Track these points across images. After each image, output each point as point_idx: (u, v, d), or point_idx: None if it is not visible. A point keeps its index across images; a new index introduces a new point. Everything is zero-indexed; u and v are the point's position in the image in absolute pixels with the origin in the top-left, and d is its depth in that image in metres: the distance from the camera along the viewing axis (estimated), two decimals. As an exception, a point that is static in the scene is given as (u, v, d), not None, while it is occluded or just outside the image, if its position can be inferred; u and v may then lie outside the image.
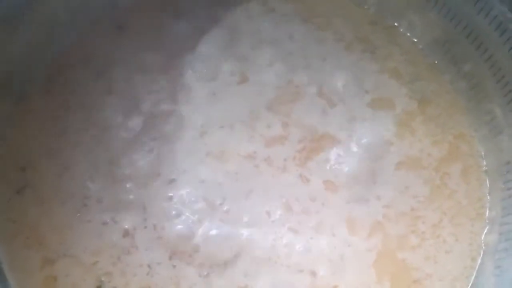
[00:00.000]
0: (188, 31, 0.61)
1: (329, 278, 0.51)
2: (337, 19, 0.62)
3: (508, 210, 0.53)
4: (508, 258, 0.51)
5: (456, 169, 0.56)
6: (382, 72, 0.60)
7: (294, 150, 0.56)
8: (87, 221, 0.52)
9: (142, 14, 0.62)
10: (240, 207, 0.53)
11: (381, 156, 0.56)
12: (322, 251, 0.52)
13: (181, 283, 0.51)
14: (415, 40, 0.62)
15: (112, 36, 0.61)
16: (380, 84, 0.59)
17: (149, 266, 0.51)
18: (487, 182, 0.56)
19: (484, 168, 0.57)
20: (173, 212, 0.53)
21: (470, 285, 0.52)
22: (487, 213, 0.55)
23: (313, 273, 0.52)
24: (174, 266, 0.51)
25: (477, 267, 0.53)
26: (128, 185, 0.54)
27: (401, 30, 0.62)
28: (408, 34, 0.62)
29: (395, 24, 0.63)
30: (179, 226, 0.52)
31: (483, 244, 0.54)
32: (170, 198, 0.54)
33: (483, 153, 0.57)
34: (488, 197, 0.55)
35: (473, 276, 0.52)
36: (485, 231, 0.54)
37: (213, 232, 0.52)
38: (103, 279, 0.51)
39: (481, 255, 0.53)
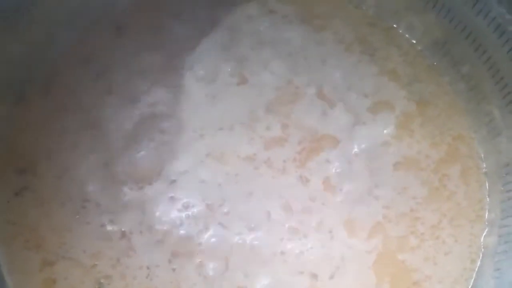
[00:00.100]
0: (187, 32, 0.61)
1: (328, 280, 0.52)
2: (336, 21, 0.62)
3: (507, 213, 0.54)
4: (507, 260, 0.51)
5: (455, 171, 0.56)
6: (381, 74, 0.60)
7: (294, 151, 0.56)
8: (86, 223, 0.52)
9: (141, 14, 0.62)
10: (240, 209, 0.53)
11: (380, 157, 0.56)
12: (322, 253, 0.52)
13: (181, 285, 0.51)
14: (414, 42, 0.62)
15: (111, 37, 0.60)
16: (379, 86, 0.59)
17: (148, 268, 0.51)
18: (487, 184, 0.56)
19: (483, 169, 0.57)
20: (173, 214, 0.53)
21: (469, 287, 0.53)
22: (486, 215, 0.55)
23: (313, 275, 0.52)
24: (173, 269, 0.51)
25: (476, 269, 0.53)
26: (127, 187, 0.54)
27: (400, 31, 0.62)
28: (407, 35, 0.62)
29: (394, 25, 0.63)
30: (179, 228, 0.52)
31: (482, 246, 0.54)
32: (170, 199, 0.54)
33: (482, 155, 0.57)
34: (488, 199, 0.56)
35: (473, 279, 0.53)
36: (485, 233, 0.54)
37: (213, 233, 0.52)
38: (102, 281, 0.51)
39: (481, 257, 0.53)
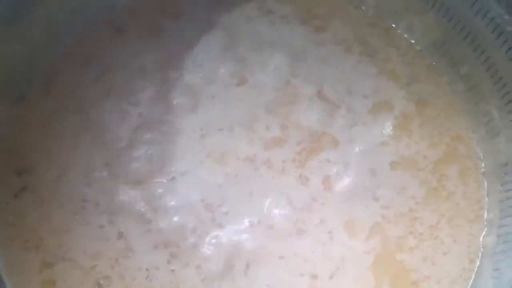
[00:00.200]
0: (187, 33, 0.61)
1: (328, 280, 0.52)
2: (335, 21, 0.62)
3: (506, 212, 0.54)
4: (506, 260, 0.51)
5: (453, 171, 0.56)
6: (380, 75, 0.60)
7: (293, 152, 0.56)
8: (85, 224, 0.52)
9: (141, 15, 0.62)
10: (240, 209, 0.53)
11: (379, 157, 0.56)
12: (322, 253, 0.52)
13: (180, 287, 0.51)
14: (413, 42, 0.62)
15: (111, 37, 0.60)
16: (378, 87, 0.59)
17: (147, 270, 0.51)
18: (485, 184, 0.56)
19: (482, 169, 0.57)
20: (172, 215, 0.53)
21: (468, 287, 0.53)
22: (485, 215, 0.55)
23: (313, 276, 0.52)
24: (172, 271, 0.51)
25: (475, 269, 0.53)
26: (127, 187, 0.54)
27: (399, 31, 0.62)
28: (406, 35, 0.62)
29: (393, 25, 0.63)
30: (178, 229, 0.52)
31: (481, 246, 0.54)
32: (169, 200, 0.54)
33: (481, 155, 0.57)
34: (486, 199, 0.56)
35: (472, 279, 0.53)
36: (483, 233, 0.54)
37: (213, 234, 0.52)
38: (101, 282, 0.51)
39: (480, 257, 0.54)
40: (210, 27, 0.61)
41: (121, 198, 0.53)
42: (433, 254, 0.53)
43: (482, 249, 0.54)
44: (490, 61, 0.55)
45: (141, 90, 0.58)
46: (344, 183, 0.55)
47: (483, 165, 0.57)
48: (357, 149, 0.56)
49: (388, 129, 0.57)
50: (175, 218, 0.53)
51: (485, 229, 0.55)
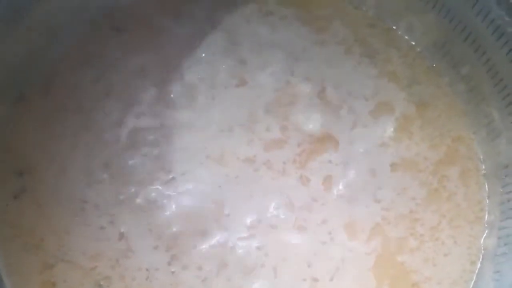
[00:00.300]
0: (187, 34, 0.61)
1: (328, 282, 0.52)
2: (335, 22, 0.62)
3: (506, 214, 0.54)
4: (507, 262, 0.51)
5: (454, 172, 0.56)
6: (381, 76, 0.60)
7: (294, 153, 0.56)
8: (85, 224, 0.52)
9: (141, 16, 0.61)
10: (240, 210, 0.53)
11: (379, 158, 0.56)
12: (322, 254, 0.52)
13: (179, 287, 0.51)
14: (413, 43, 0.62)
15: (110, 38, 0.60)
16: (379, 88, 0.59)
17: (147, 270, 0.51)
18: (486, 185, 0.56)
19: (483, 171, 0.57)
20: (172, 216, 0.53)
21: (469, 289, 0.53)
22: (486, 217, 0.55)
23: (313, 277, 0.52)
24: (173, 272, 0.51)
25: (476, 271, 0.53)
26: (126, 188, 0.54)
27: (399, 32, 0.62)
28: (406, 37, 0.62)
29: (394, 27, 0.63)
30: (178, 230, 0.52)
31: (482, 248, 0.54)
32: (169, 201, 0.53)
33: (481, 157, 0.57)
34: (487, 200, 0.56)
35: (473, 281, 0.53)
36: (484, 235, 0.54)
37: (214, 235, 0.52)
38: (102, 283, 0.51)
39: (480, 259, 0.53)
40: (210, 27, 0.61)
41: (122, 198, 0.53)
42: (434, 255, 0.53)
43: (483, 251, 0.54)
44: (491, 63, 0.55)
45: (141, 90, 0.58)
46: (345, 184, 0.55)
47: (483, 166, 0.57)
48: (357, 150, 0.56)
49: (388, 130, 0.57)
50: (175, 219, 0.53)
51: (486, 231, 0.54)
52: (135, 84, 0.58)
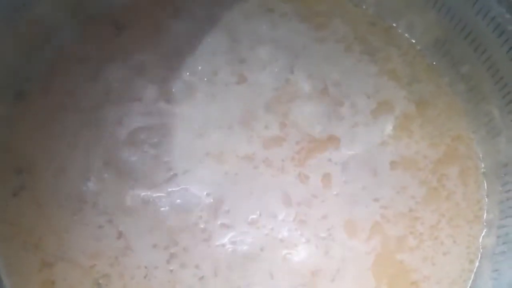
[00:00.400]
0: (186, 31, 0.61)
1: (328, 281, 0.52)
2: (336, 20, 0.62)
3: (505, 213, 0.53)
4: (506, 261, 0.51)
5: (454, 171, 0.56)
6: (381, 74, 0.60)
7: (293, 151, 0.56)
8: (84, 223, 0.52)
9: (140, 13, 0.61)
10: (240, 208, 0.53)
11: (379, 157, 0.56)
12: (323, 253, 0.52)
13: (177, 286, 0.51)
14: (414, 41, 0.62)
15: (110, 36, 0.60)
16: (379, 86, 0.59)
17: (146, 268, 0.51)
18: (485, 184, 0.56)
19: (482, 170, 0.57)
20: (171, 214, 0.53)
21: (468, 288, 0.53)
22: (485, 216, 0.55)
23: (313, 277, 0.52)
24: (171, 270, 0.51)
25: (475, 270, 0.53)
26: (125, 187, 0.54)
27: (400, 31, 0.62)
28: (407, 35, 0.62)
29: (394, 25, 0.62)
30: (178, 229, 0.52)
31: (481, 247, 0.54)
32: (168, 199, 0.53)
33: (481, 155, 0.57)
34: (486, 199, 0.56)
35: (471, 280, 0.53)
36: (483, 234, 0.54)
37: (213, 233, 0.52)
38: (100, 281, 0.51)
39: (479, 258, 0.54)
40: (210, 25, 0.61)
41: (120, 197, 0.53)
42: (433, 254, 0.53)
43: (481, 250, 0.54)
44: (491, 61, 0.54)
45: (141, 88, 0.58)
46: (344, 182, 0.55)
47: (483, 165, 0.57)
48: (357, 148, 0.56)
49: (388, 129, 0.57)
50: (175, 217, 0.53)
51: (485, 230, 0.55)
52: (134, 82, 0.58)
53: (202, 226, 0.53)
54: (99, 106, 0.57)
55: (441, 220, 0.54)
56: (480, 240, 0.54)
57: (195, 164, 0.55)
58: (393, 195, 0.55)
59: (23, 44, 0.55)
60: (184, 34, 0.60)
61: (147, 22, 0.61)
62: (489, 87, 0.56)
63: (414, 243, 0.53)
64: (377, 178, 0.55)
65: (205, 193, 0.54)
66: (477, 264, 0.53)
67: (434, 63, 0.61)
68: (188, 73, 0.59)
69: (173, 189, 0.54)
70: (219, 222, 0.53)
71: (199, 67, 0.59)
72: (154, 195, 0.54)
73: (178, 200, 0.53)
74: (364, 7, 0.63)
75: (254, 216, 0.53)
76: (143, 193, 0.54)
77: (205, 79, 0.59)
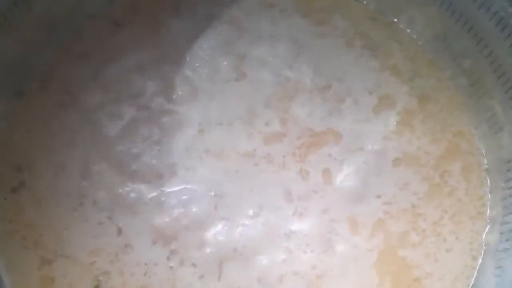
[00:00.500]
0: (186, 27, 0.60)
1: (330, 278, 0.51)
2: (336, 15, 0.62)
3: (508, 210, 0.53)
4: (509, 258, 0.51)
5: (456, 167, 0.56)
6: (382, 69, 0.59)
7: (294, 146, 0.55)
8: (84, 220, 0.52)
9: (140, 10, 0.61)
10: (240, 205, 0.53)
11: (381, 153, 0.56)
12: (325, 250, 0.52)
13: (177, 284, 0.51)
14: (415, 36, 0.61)
15: (109, 33, 0.60)
16: (380, 82, 0.59)
17: (146, 265, 0.51)
18: (488, 180, 0.56)
19: (485, 166, 0.56)
20: (172, 211, 0.53)
21: (471, 285, 0.52)
22: (488, 212, 0.55)
23: (314, 274, 0.51)
24: (171, 267, 0.51)
25: (478, 266, 0.53)
26: (125, 183, 0.53)
27: (401, 26, 0.62)
28: (408, 30, 0.62)
29: (395, 20, 0.62)
30: (177, 226, 0.52)
31: (484, 244, 0.54)
32: (168, 196, 0.53)
33: (483, 151, 0.57)
34: (489, 195, 0.55)
35: (474, 276, 0.52)
36: (486, 230, 0.54)
37: (213, 230, 0.52)
38: (100, 278, 0.51)
39: (482, 255, 0.53)
40: (210, 21, 0.61)
41: (120, 194, 0.53)
42: (436, 250, 0.53)
43: (484, 247, 0.54)
44: (493, 55, 0.54)
45: (140, 85, 0.58)
46: (346, 178, 0.55)
47: (485, 161, 0.57)
48: (358, 144, 0.56)
49: (390, 124, 0.57)
50: (175, 214, 0.53)
51: (488, 226, 0.54)
52: (134, 80, 0.58)
53: (202, 224, 0.52)
54: (98, 104, 0.57)
55: (444, 216, 0.54)
56: (483, 236, 0.54)
57: (195, 161, 0.55)
58: (396, 192, 0.55)
59: (22, 42, 0.55)
60: (184, 31, 0.60)
61: (147, 20, 0.61)
62: (491, 81, 0.55)
63: (417, 240, 0.53)
64: (379, 175, 0.55)
65: (205, 190, 0.53)
66: (480, 260, 0.53)
67: (436, 58, 0.60)
68: (188, 70, 0.59)
69: (173, 186, 0.54)
70: (219, 219, 0.53)
71: (199, 64, 0.59)
72: (154, 192, 0.53)
73: (178, 197, 0.53)
74: (364, 2, 0.63)
75: (254, 213, 0.53)
76: (142, 190, 0.53)
77: (205, 76, 0.58)
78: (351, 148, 0.56)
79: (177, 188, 0.54)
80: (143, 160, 0.54)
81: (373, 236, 0.53)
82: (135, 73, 0.58)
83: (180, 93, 0.58)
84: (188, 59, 0.59)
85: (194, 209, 0.53)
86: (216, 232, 0.52)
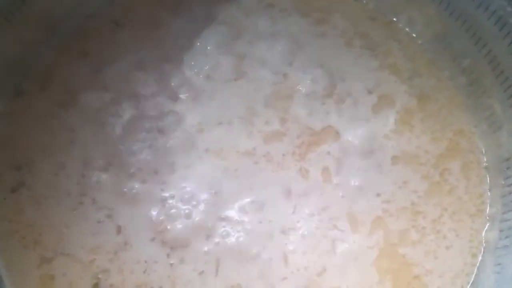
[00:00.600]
0: (185, 27, 0.60)
1: (330, 276, 0.51)
2: (336, 14, 0.62)
3: (508, 207, 0.53)
4: (508, 255, 0.51)
5: (456, 165, 0.56)
6: (381, 69, 0.59)
7: (293, 145, 0.56)
8: (83, 218, 0.52)
9: (139, 9, 0.62)
10: (240, 203, 0.53)
11: (380, 151, 0.56)
12: (325, 248, 0.52)
13: (176, 282, 0.51)
14: (414, 36, 0.62)
15: (109, 32, 0.60)
16: (380, 81, 0.59)
17: (146, 262, 0.51)
18: (488, 178, 0.56)
19: (484, 164, 0.56)
20: (171, 210, 0.53)
21: (470, 282, 0.52)
22: (487, 210, 0.55)
23: (315, 273, 0.51)
24: (171, 265, 0.51)
25: (477, 264, 0.53)
26: (123, 182, 0.53)
27: (400, 25, 0.62)
28: (407, 29, 0.62)
29: (394, 19, 0.62)
30: (177, 224, 0.52)
31: (483, 241, 0.54)
32: (167, 195, 0.53)
33: (483, 149, 0.57)
34: (489, 193, 0.55)
35: (474, 274, 0.52)
36: (486, 227, 0.54)
37: (212, 229, 0.52)
38: (100, 276, 0.50)
39: (482, 252, 0.53)
40: (209, 20, 0.61)
41: (119, 192, 0.53)
42: (436, 248, 0.53)
43: (484, 244, 0.53)
44: (492, 54, 0.54)
45: (140, 84, 0.58)
46: (344, 176, 0.54)
47: (485, 159, 0.57)
48: (358, 142, 0.56)
49: (389, 123, 0.57)
50: (175, 212, 0.52)
51: (488, 224, 0.54)
52: (134, 78, 0.58)
53: (201, 222, 0.52)
54: (98, 103, 0.57)
55: (444, 214, 0.54)
56: (483, 234, 0.54)
57: (194, 160, 0.55)
58: (395, 190, 0.55)
59: (22, 40, 0.55)
60: (183, 31, 0.60)
61: (146, 18, 0.61)
62: (490, 81, 0.55)
63: (417, 237, 0.53)
64: (378, 173, 0.55)
65: (205, 189, 0.53)
66: (479, 258, 0.53)
67: (435, 57, 0.60)
68: (188, 70, 0.59)
69: (173, 184, 0.54)
70: (218, 218, 0.52)
71: (199, 63, 0.59)
72: (154, 190, 0.53)
73: (178, 196, 0.53)
74: (364, 1, 0.63)
75: (254, 211, 0.53)
76: (141, 188, 0.53)
77: (205, 75, 0.58)
78: (350, 146, 0.56)
79: (176, 187, 0.53)
80: (142, 159, 0.54)
81: (372, 234, 0.53)
82: (135, 72, 0.58)
83: (179, 92, 0.58)
84: (188, 59, 0.59)
85: (193, 208, 0.53)
86: (216, 230, 0.52)
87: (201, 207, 0.53)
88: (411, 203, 0.54)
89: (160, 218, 0.52)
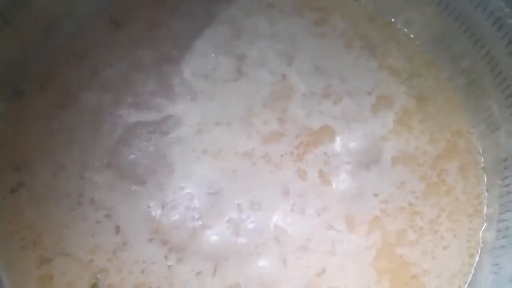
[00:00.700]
0: (185, 27, 0.61)
1: (328, 277, 0.51)
2: (335, 15, 0.62)
3: (505, 207, 0.53)
4: (506, 255, 0.51)
5: (453, 166, 0.56)
6: (381, 69, 0.59)
7: (291, 146, 0.56)
8: (82, 219, 0.52)
9: (138, 9, 0.62)
10: (238, 204, 0.53)
11: (378, 152, 0.56)
12: (323, 249, 0.52)
13: (174, 282, 0.51)
14: (413, 36, 0.62)
15: (108, 32, 0.60)
16: (379, 81, 0.59)
17: (144, 263, 0.51)
18: (485, 178, 0.56)
19: (482, 164, 0.57)
20: (170, 210, 0.53)
21: (468, 282, 0.52)
22: (485, 210, 0.55)
23: (314, 272, 0.51)
24: (169, 266, 0.51)
25: (475, 264, 0.53)
26: (123, 183, 0.54)
27: (399, 26, 0.62)
28: (406, 30, 0.62)
29: (393, 20, 0.62)
30: (176, 224, 0.52)
31: (481, 241, 0.54)
32: (167, 195, 0.53)
33: (481, 150, 0.57)
34: (486, 193, 0.55)
35: (471, 274, 0.52)
36: (483, 228, 0.54)
37: (211, 229, 0.52)
38: (98, 276, 0.51)
39: (479, 252, 0.53)
40: (209, 21, 0.61)
41: (118, 192, 0.53)
42: (433, 248, 0.53)
43: (481, 244, 0.53)
44: (490, 55, 0.54)
45: (139, 84, 0.58)
46: (342, 176, 0.55)
47: (482, 160, 0.57)
48: (356, 143, 0.56)
49: (388, 124, 0.57)
50: (173, 213, 0.53)
51: (485, 224, 0.54)
52: (133, 78, 0.58)
53: (199, 222, 0.52)
54: (98, 103, 0.57)
55: (441, 214, 0.54)
56: (480, 234, 0.54)
57: (193, 161, 0.55)
58: (393, 190, 0.55)
59: (22, 41, 0.55)
60: (182, 30, 0.60)
61: (145, 18, 0.61)
62: (488, 81, 0.55)
63: (414, 238, 0.53)
64: (376, 174, 0.55)
65: (203, 189, 0.54)
66: (477, 258, 0.53)
67: (434, 58, 0.60)
68: (186, 70, 0.59)
69: (171, 185, 0.54)
70: (216, 218, 0.52)
71: (198, 64, 0.59)
72: (151, 190, 0.53)
73: (176, 196, 0.53)
74: (363, 2, 0.63)
75: (252, 212, 0.53)
76: (140, 189, 0.53)
77: (204, 75, 0.59)
78: (348, 147, 0.56)
79: (175, 187, 0.54)
80: (141, 159, 0.55)
81: (370, 234, 0.53)
82: (134, 72, 0.58)
83: (178, 92, 0.58)
84: (187, 58, 0.59)
85: (191, 208, 0.53)
86: (214, 230, 0.52)
87: (199, 207, 0.53)
88: (408, 203, 0.54)
89: (158, 218, 0.52)
